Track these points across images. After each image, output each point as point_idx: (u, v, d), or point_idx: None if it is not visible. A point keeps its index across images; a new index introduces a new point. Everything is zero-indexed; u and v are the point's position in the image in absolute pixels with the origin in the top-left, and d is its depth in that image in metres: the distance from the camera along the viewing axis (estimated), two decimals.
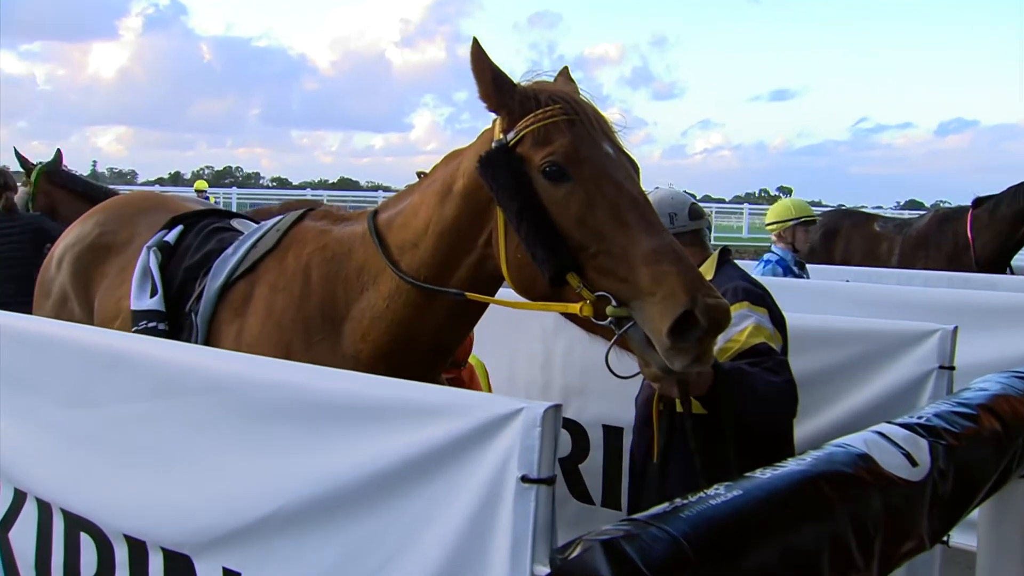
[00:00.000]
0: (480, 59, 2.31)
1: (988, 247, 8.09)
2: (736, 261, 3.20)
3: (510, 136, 2.28)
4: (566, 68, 2.58)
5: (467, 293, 2.44)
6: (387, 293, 2.57)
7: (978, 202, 8.39)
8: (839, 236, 9.44)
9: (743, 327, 2.73)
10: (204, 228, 3.25)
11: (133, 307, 3.00)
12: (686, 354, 2.00)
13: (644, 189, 2.32)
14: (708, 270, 3.00)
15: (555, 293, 2.23)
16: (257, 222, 3.25)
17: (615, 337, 2.12)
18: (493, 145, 2.30)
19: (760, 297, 2.87)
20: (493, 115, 2.38)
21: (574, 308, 2.15)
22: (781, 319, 2.87)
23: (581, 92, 2.41)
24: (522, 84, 2.37)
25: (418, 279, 2.49)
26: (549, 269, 2.16)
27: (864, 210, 13.67)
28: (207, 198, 17.98)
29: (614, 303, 2.09)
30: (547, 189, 2.20)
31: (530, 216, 2.18)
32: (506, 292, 2.53)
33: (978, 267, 7.85)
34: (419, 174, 2.74)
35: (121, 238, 3.40)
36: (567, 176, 2.19)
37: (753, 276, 3.06)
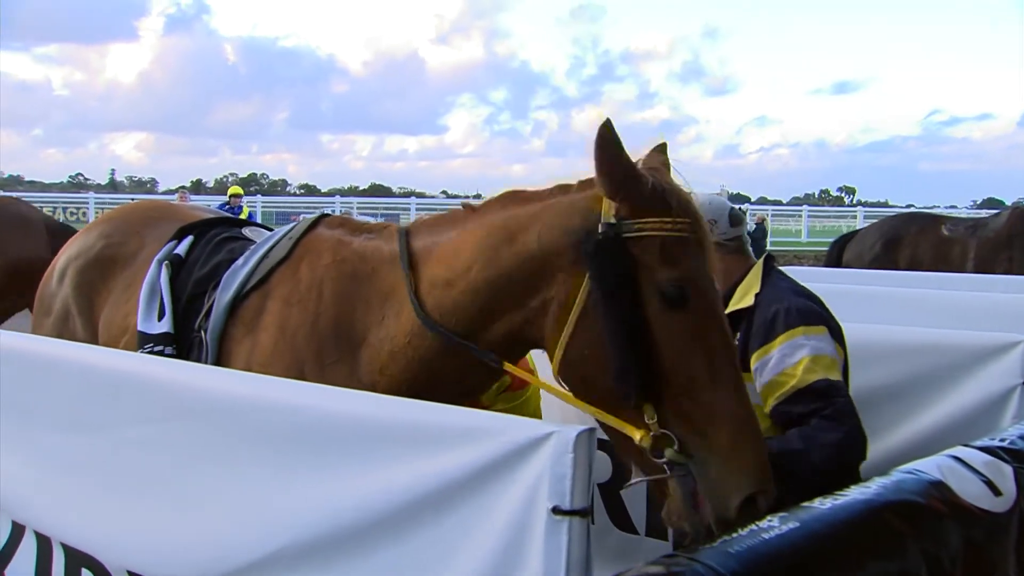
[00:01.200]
0: (611, 147, 2.24)
1: None
2: (794, 267, 3.13)
3: (627, 228, 2.23)
4: (663, 146, 2.53)
5: (506, 364, 2.42)
6: (409, 330, 2.53)
7: None
8: (903, 244, 9.28)
9: (797, 359, 2.66)
10: (213, 238, 3.25)
11: (140, 328, 3.00)
12: (732, 529, 2.04)
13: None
14: (754, 280, 2.93)
15: (611, 403, 2.21)
16: (271, 230, 3.24)
17: (659, 476, 2.14)
18: (603, 227, 2.24)
19: (817, 315, 2.79)
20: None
21: (635, 433, 2.13)
22: (838, 330, 2.80)
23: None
24: (648, 175, 2.29)
25: (448, 323, 2.46)
26: (634, 394, 2.14)
27: (934, 211, 13.44)
28: (240, 207, 18.15)
29: (676, 447, 2.10)
30: (659, 310, 2.18)
31: (633, 331, 2.16)
32: None
33: None
34: (465, 206, 2.69)
35: (128, 250, 3.40)
36: (684, 305, 2.18)
37: (802, 284, 2.99)
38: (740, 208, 3.19)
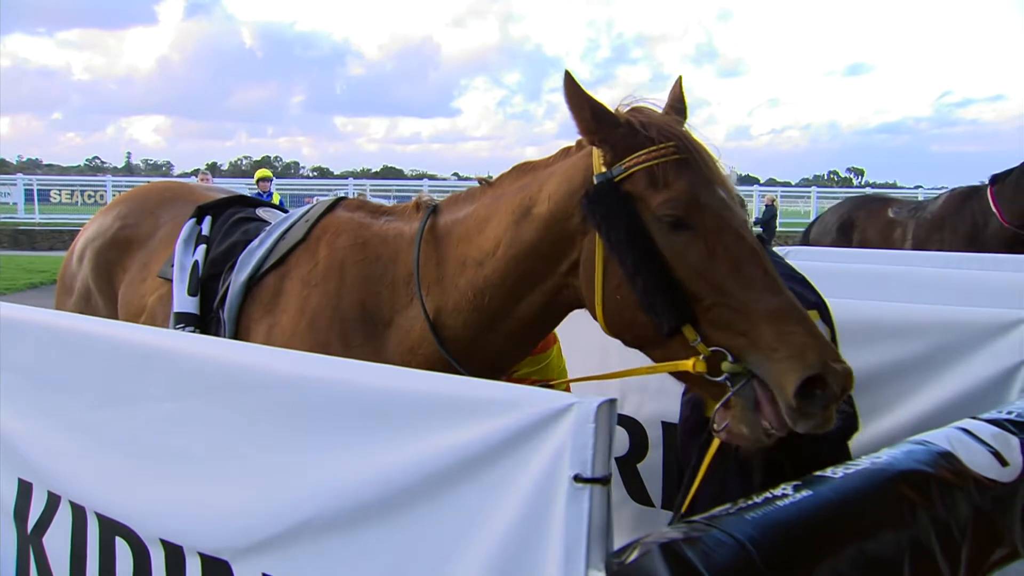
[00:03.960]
0: (575, 93, 2.26)
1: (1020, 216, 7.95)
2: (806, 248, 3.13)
3: (616, 172, 2.24)
4: (679, 81, 2.52)
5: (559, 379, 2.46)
6: (443, 309, 2.55)
7: (995, 179, 8.23)
8: (855, 226, 9.37)
9: None
10: (229, 218, 3.25)
11: (176, 309, 3.02)
12: (810, 418, 2.00)
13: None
14: None
15: (657, 340, 2.21)
16: (285, 211, 3.24)
17: (728, 395, 2.08)
18: (596, 180, 2.26)
19: (805, 299, 2.80)
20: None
21: (686, 365, 2.13)
22: (825, 307, 2.82)
23: (687, 126, 2.37)
24: (623, 113, 2.32)
25: (482, 300, 2.48)
26: (669, 320, 2.13)
27: (888, 195, 13.44)
28: (271, 193, 16.33)
29: (731, 358, 2.08)
30: (665, 236, 2.18)
31: (649, 264, 2.16)
32: (575, 329, 2.47)
33: (1010, 240, 7.75)
34: (481, 180, 2.69)
35: (143, 231, 3.42)
36: (687, 224, 2.17)
37: (791, 264, 3.00)
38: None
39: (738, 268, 2.13)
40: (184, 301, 3.00)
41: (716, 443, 2.17)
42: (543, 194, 2.42)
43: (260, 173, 17.81)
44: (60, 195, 35.17)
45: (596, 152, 2.30)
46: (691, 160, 2.23)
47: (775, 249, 3.15)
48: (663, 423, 3.33)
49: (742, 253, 2.16)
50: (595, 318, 2.35)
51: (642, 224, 2.19)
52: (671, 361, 2.20)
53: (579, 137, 2.42)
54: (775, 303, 2.09)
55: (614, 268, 2.24)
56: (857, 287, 3.01)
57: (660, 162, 2.21)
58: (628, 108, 2.36)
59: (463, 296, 2.52)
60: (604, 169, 2.27)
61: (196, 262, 3.07)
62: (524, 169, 2.58)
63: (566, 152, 2.49)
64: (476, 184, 2.71)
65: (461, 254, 2.54)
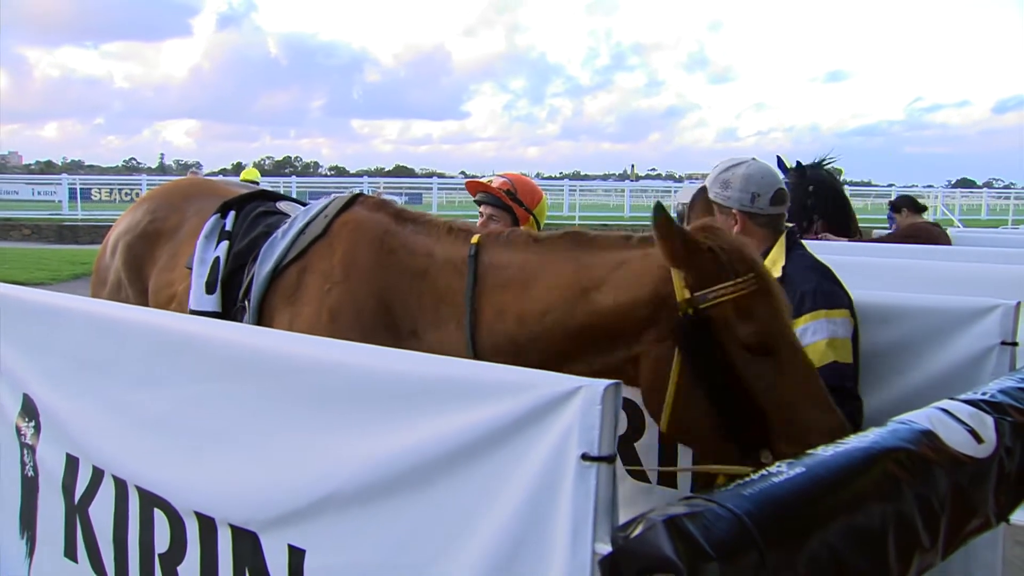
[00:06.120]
0: (667, 226, 2.21)
1: None
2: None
3: (702, 300, 2.21)
4: (703, 190, 2.57)
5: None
6: (477, 345, 2.49)
7: None
8: None
9: (816, 340, 2.67)
10: (251, 212, 3.23)
11: (192, 307, 3.00)
12: None
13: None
14: (778, 254, 2.90)
15: (720, 450, 2.21)
16: (304, 205, 3.21)
17: (743, 470, 2.11)
18: (681, 307, 2.21)
19: (838, 298, 2.78)
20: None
21: (746, 471, 2.13)
22: (850, 301, 2.82)
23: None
24: (704, 240, 2.27)
25: (518, 352, 2.41)
26: (755, 445, 2.16)
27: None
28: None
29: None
30: (748, 363, 2.18)
31: (732, 391, 2.17)
32: None
33: None
34: (525, 232, 2.60)
35: (171, 224, 3.41)
36: (768, 351, 2.18)
37: (819, 259, 2.98)
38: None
39: (805, 389, 2.17)
40: (201, 299, 2.98)
41: None
42: (608, 285, 2.36)
43: (246, 173, 16.65)
44: (100, 193, 35.30)
45: (675, 272, 2.26)
46: (768, 290, 2.24)
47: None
48: None
49: (809, 376, 2.20)
50: (653, 417, 2.34)
51: (726, 351, 2.18)
52: (718, 457, 2.21)
53: (642, 235, 2.40)
54: (833, 423, 2.15)
55: (692, 387, 2.21)
56: (845, 277, 2.99)
57: (744, 293, 2.20)
58: (696, 228, 2.33)
59: (496, 344, 2.46)
60: (688, 294, 2.22)
61: (218, 258, 3.05)
62: (580, 241, 2.49)
63: (626, 241, 2.43)
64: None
65: (499, 302, 2.48)
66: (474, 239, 2.62)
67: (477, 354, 2.49)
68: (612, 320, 2.33)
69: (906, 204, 8.09)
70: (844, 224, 6.13)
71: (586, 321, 2.36)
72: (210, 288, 2.99)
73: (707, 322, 2.19)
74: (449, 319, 2.54)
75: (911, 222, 7.73)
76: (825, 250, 5.48)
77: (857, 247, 5.82)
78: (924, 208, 8.21)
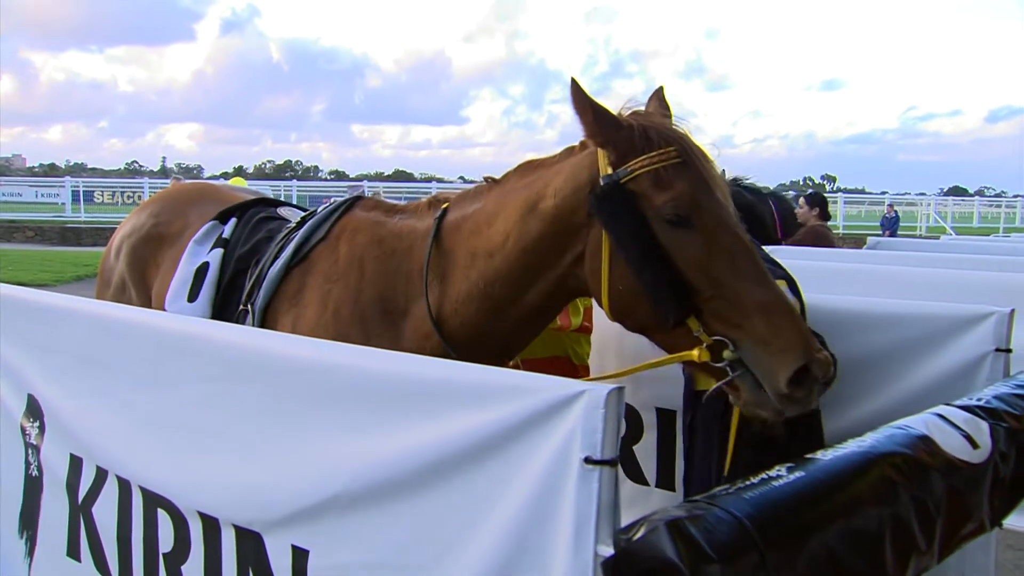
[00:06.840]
0: (580, 98, 2.25)
1: None
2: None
3: (622, 173, 2.23)
4: (661, 89, 2.52)
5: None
6: (455, 297, 2.54)
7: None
8: None
9: None
10: (252, 218, 3.25)
11: (167, 307, 3.02)
12: (799, 404, 2.06)
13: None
14: None
15: (660, 328, 2.22)
16: (305, 210, 3.23)
17: (727, 379, 2.13)
18: (603, 180, 2.25)
19: (781, 276, 2.79)
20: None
21: (692, 355, 2.14)
22: (796, 285, 2.81)
23: (676, 122, 2.37)
24: (625, 117, 2.30)
25: (492, 288, 2.48)
26: (676, 313, 2.14)
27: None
28: None
29: (731, 348, 2.10)
30: (668, 233, 2.18)
31: (653, 259, 2.17)
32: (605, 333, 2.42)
33: None
34: (487, 179, 2.67)
35: (174, 228, 3.42)
36: (688, 222, 2.17)
37: (778, 260, 2.98)
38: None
39: (733, 262, 2.14)
40: (182, 308, 3.01)
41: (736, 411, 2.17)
42: (549, 190, 2.40)
43: (233, 182, 16.22)
44: (103, 196, 35.32)
45: (601, 153, 2.29)
46: (690, 162, 2.22)
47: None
48: (657, 409, 3.32)
49: (737, 248, 2.16)
50: (600, 305, 2.35)
51: (646, 222, 2.19)
52: (673, 346, 2.21)
53: (582, 138, 2.40)
54: (766, 296, 2.11)
55: (619, 261, 2.23)
56: (838, 284, 3.00)
57: (663, 164, 2.20)
58: (629, 112, 2.35)
59: (474, 286, 2.51)
60: (609, 170, 2.25)
61: (205, 264, 3.07)
62: (530, 167, 2.56)
63: (570, 152, 2.47)
64: (483, 183, 2.70)
65: (472, 247, 2.53)
66: (445, 204, 2.71)
67: (449, 309, 2.54)
68: (556, 221, 2.37)
69: (819, 203, 8.28)
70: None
71: (539, 232, 2.40)
72: (192, 297, 3.01)
73: (627, 195, 2.21)
74: (432, 286, 2.60)
75: (813, 225, 7.84)
76: (816, 257, 5.52)
77: (847, 254, 5.86)
78: (829, 217, 8.42)
